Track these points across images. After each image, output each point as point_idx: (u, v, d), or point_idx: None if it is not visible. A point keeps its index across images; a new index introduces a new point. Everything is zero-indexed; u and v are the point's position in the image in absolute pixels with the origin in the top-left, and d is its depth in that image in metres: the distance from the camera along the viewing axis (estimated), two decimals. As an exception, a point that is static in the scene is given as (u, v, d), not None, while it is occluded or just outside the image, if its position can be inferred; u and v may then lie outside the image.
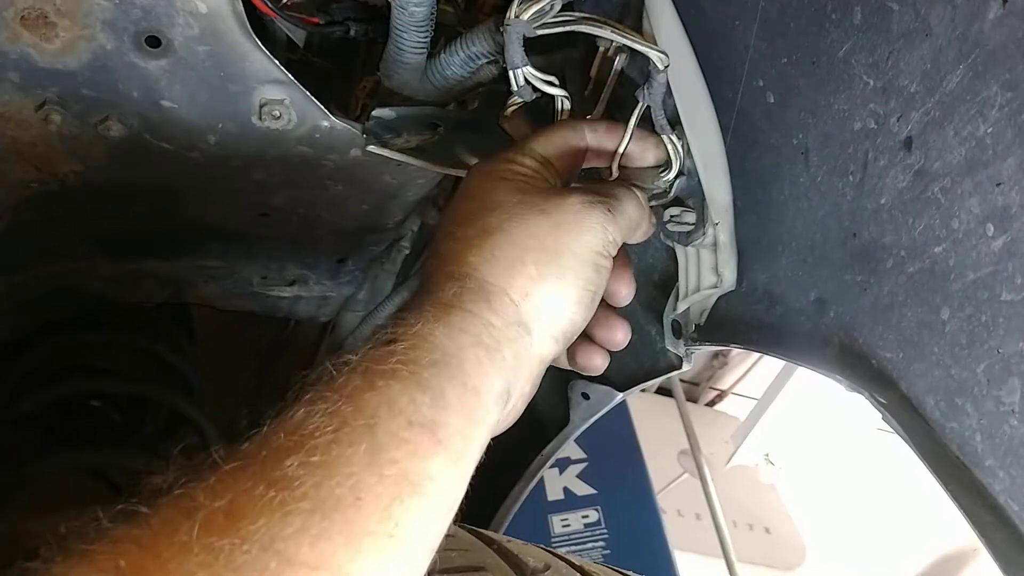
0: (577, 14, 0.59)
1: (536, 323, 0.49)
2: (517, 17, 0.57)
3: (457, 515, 0.41)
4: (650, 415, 2.30)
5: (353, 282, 1.06)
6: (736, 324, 0.69)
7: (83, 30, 0.58)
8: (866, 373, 0.52)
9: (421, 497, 0.37)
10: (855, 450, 2.70)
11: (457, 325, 0.45)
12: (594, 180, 0.65)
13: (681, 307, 0.74)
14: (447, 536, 0.40)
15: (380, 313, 1.08)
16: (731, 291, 0.69)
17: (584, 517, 1.80)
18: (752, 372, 3.21)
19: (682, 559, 1.83)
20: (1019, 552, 0.41)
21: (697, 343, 0.75)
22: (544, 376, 0.53)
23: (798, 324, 0.60)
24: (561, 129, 0.59)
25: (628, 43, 0.58)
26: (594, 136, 0.61)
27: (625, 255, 0.60)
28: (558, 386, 0.99)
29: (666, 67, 0.58)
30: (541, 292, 0.49)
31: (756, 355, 2.81)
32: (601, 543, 1.76)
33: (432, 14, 0.65)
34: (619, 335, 0.60)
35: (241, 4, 0.58)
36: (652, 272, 0.81)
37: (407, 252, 1.09)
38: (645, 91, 0.60)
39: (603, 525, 1.79)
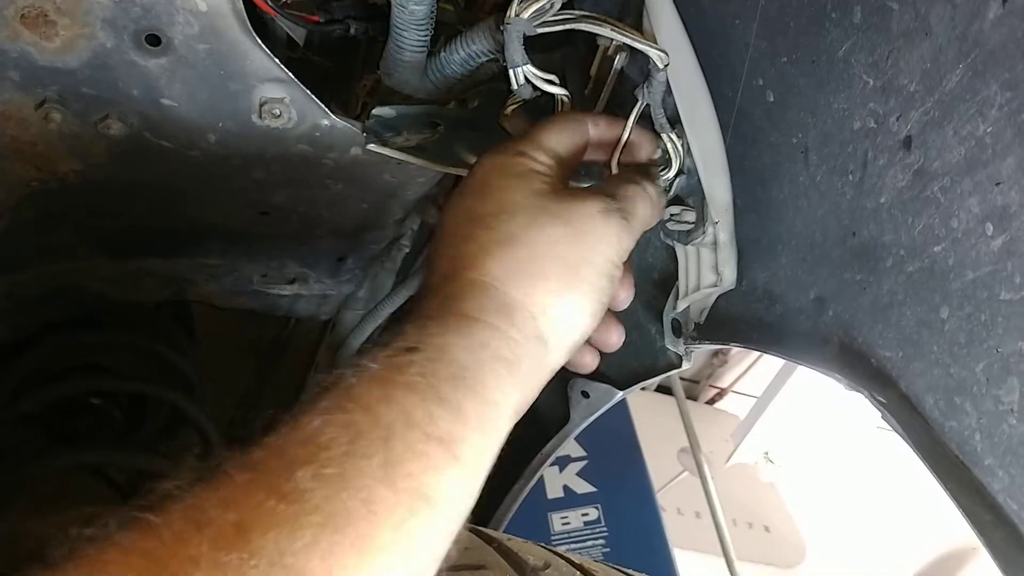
0: (577, 12, 0.59)
1: (552, 336, 0.49)
2: (517, 15, 0.57)
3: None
4: (650, 413, 2.30)
5: (353, 280, 1.07)
6: (736, 323, 0.69)
7: (83, 28, 0.58)
8: (865, 372, 0.52)
9: (434, 511, 0.37)
10: (855, 449, 2.70)
11: (479, 339, 0.44)
12: (601, 177, 0.65)
13: (681, 306, 0.74)
14: (448, 536, 0.40)
15: (380, 312, 1.09)
16: (731, 290, 0.69)
17: (584, 515, 1.80)
18: (752, 370, 3.21)
19: (682, 557, 1.83)
20: (1018, 551, 0.41)
21: (697, 342, 0.75)
22: (535, 373, 0.53)
23: (798, 323, 0.60)
24: (566, 122, 0.59)
25: (628, 41, 0.58)
26: (595, 130, 0.60)
27: (628, 259, 0.60)
28: (558, 385, 0.99)
29: (666, 66, 0.58)
30: (559, 306, 0.49)
31: (756, 353, 2.81)
32: (601, 541, 1.76)
33: (432, 12, 0.65)
34: (614, 338, 0.60)
35: (241, 2, 0.58)
36: (652, 271, 0.81)
37: (407, 251, 1.09)
38: (645, 90, 0.60)
39: (603, 523, 1.79)
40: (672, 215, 0.68)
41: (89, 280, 0.90)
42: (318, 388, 0.39)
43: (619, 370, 0.91)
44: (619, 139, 0.62)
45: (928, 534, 2.72)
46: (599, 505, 1.82)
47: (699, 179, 0.64)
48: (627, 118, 0.62)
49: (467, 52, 0.69)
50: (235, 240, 0.91)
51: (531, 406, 0.53)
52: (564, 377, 0.98)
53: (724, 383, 3.36)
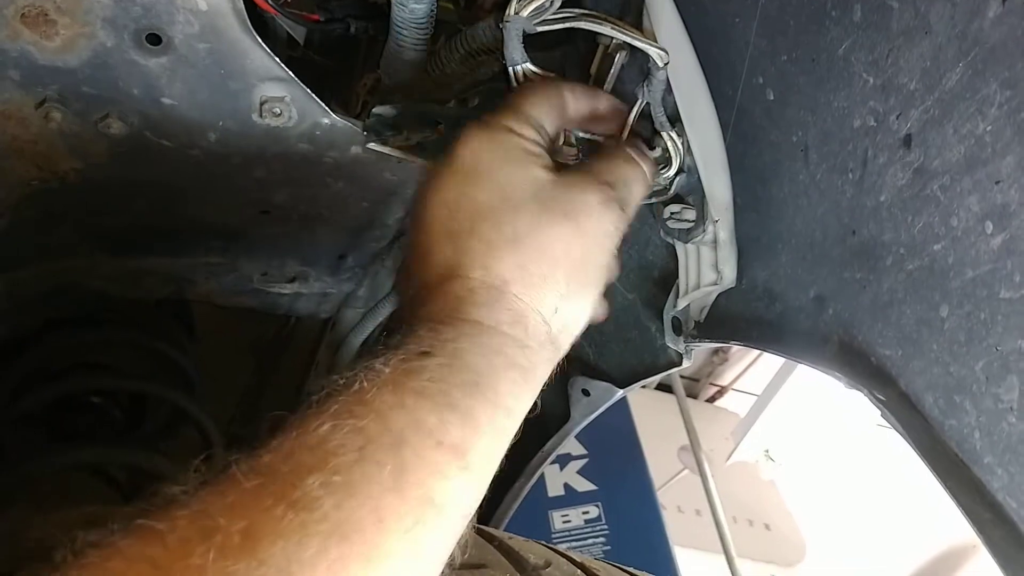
0: (577, 10, 0.59)
1: (562, 335, 0.49)
2: (517, 14, 0.57)
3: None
4: (650, 411, 2.31)
5: (353, 279, 1.07)
6: (736, 321, 0.69)
7: (83, 28, 0.58)
8: (865, 370, 0.52)
9: (441, 517, 0.37)
10: (854, 447, 2.71)
11: (494, 346, 0.44)
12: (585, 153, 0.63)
13: (681, 304, 0.74)
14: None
15: (381, 310, 1.09)
16: (731, 288, 0.69)
17: (584, 513, 1.80)
18: (752, 368, 3.21)
19: (682, 555, 1.83)
20: (1017, 549, 0.41)
21: (697, 340, 0.75)
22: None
23: (797, 321, 0.60)
24: (545, 88, 0.57)
25: (628, 40, 0.58)
26: (572, 96, 0.58)
27: None
28: (558, 383, 0.99)
29: (666, 64, 0.58)
30: (568, 306, 0.49)
31: (756, 352, 2.81)
32: (601, 539, 1.76)
33: (432, 11, 0.65)
34: (603, 314, 0.60)
35: (241, 1, 0.58)
36: (652, 269, 0.81)
37: (407, 249, 1.09)
38: (645, 88, 0.60)
39: (603, 521, 1.79)
40: (672, 213, 0.68)
41: (89, 278, 0.90)
42: (327, 390, 0.39)
43: (619, 368, 0.91)
44: (595, 109, 0.60)
45: (928, 532, 2.73)
46: (600, 503, 1.82)
47: (699, 177, 0.64)
48: (627, 116, 0.62)
49: (467, 50, 0.69)
50: (236, 238, 0.91)
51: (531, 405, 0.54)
52: (565, 375, 0.98)
53: (724, 381, 3.36)
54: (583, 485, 1.86)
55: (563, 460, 1.88)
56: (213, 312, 1.14)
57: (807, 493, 2.94)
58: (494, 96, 0.71)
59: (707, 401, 3.44)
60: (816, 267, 0.57)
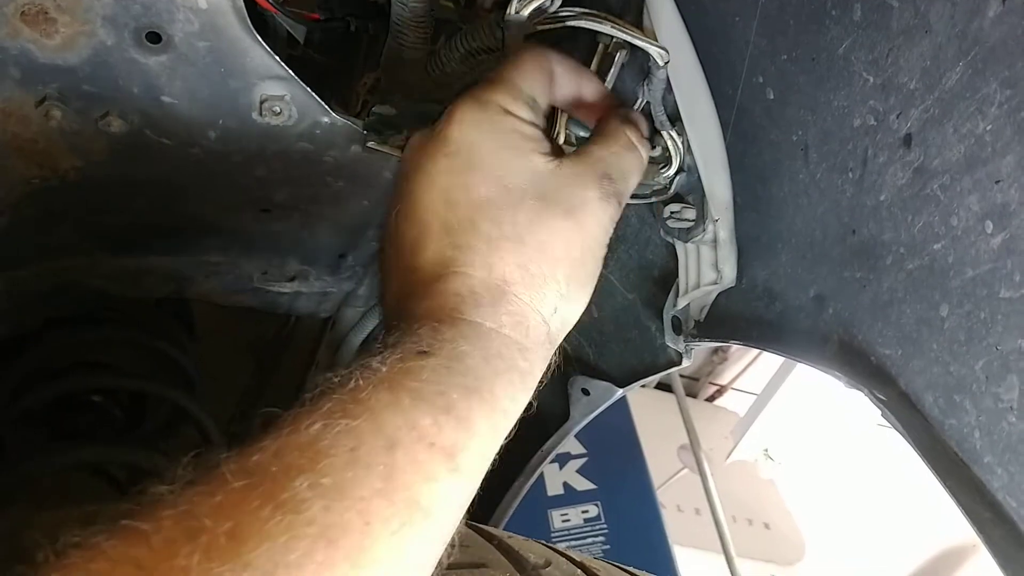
0: (577, 10, 0.59)
1: (559, 333, 0.49)
2: (517, 13, 0.57)
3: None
4: (650, 410, 2.31)
5: (354, 278, 1.07)
6: (736, 320, 0.69)
7: (83, 26, 0.58)
8: (865, 369, 0.52)
9: (429, 520, 0.36)
10: (854, 446, 2.71)
11: (494, 349, 0.44)
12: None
13: (681, 303, 0.74)
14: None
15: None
16: (731, 287, 0.69)
17: (584, 512, 1.80)
18: (752, 368, 3.21)
19: (681, 554, 1.84)
20: (1017, 548, 0.41)
21: (697, 339, 0.76)
22: (544, 373, 0.53)
23: (797, 321, 0.60)
24: (533, 57, 0.54)
25: (628, 39, 0.58)
26: (561, 67, 0.56)
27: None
28: (558, 382, 0.99)
29: (666, 63, 0.58)
30: (567, 306, 0.49)
31: (756, 351, 2.82)
32: (601, 538, 1.76)
33: (432, 10, 0.65)
34: None
35: (241, 0, 0.58)
36: (652, 268, 0.81)
37: (407, 248, 1.09)
38: (645, 87, 0.60)
39: (603, 520, 1.79)
40: (672, 212, 0.68)
41: (90, 277, 0.90)
42: (321, 388, 0.38)
43: (619, 368, 0.91)
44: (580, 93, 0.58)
45: (927, 531, 2.73)
46: (599, 502, 1.82)
47: (699, 176, 0.64)
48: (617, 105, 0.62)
49: (467, 49, 0.69)
50: (236, 237, 0.91)
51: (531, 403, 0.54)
52: (564, 375, 0.98)
53: (724, 380, 3.36)
54: (582, 484, 1.86)
55: (562, 459, 1.88)
56: (213, 311, 1.14)
57: (806, 492, 2.94)
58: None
59: (706, 400, 3.44)
60: (816, 266, 0.57)
